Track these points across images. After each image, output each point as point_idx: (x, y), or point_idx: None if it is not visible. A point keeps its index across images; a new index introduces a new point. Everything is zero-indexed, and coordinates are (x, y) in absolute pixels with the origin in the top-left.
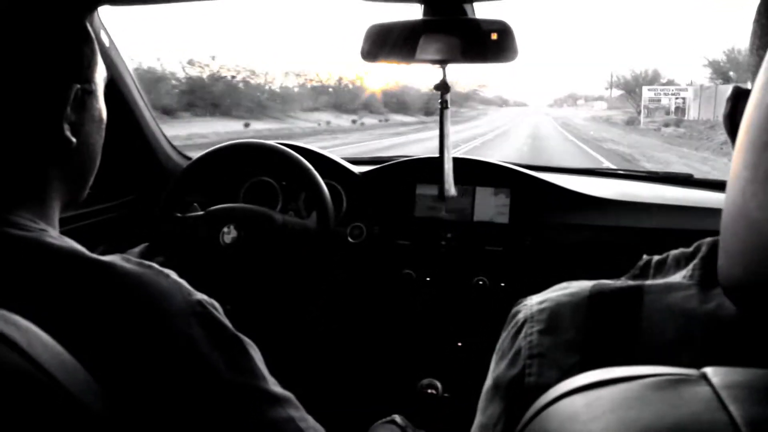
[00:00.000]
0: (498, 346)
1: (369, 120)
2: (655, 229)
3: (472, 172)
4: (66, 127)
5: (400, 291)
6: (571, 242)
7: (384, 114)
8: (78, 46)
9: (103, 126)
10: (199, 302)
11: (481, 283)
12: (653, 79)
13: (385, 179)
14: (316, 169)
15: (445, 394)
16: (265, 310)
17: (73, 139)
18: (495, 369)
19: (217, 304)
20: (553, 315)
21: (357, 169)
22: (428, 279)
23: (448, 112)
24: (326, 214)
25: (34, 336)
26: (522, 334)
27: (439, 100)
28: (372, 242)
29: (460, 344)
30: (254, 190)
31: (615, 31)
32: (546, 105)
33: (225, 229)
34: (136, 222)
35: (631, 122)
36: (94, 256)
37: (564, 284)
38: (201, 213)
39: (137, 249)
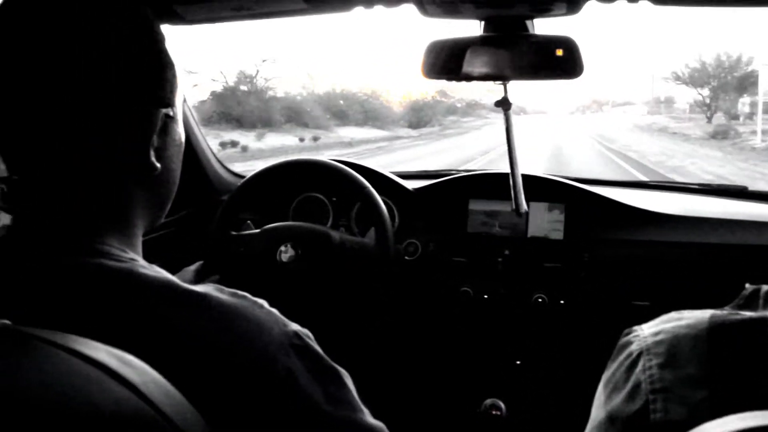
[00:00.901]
0: (607, 377)
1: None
2: (714, 245)
3: (526, 187)
4: (152, 152)
5: (459, 309)
6: (629, 258)
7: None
8: (163, 71)
9: (182, 150)
10: (296, 333)
11: (540, 300)
12: (735, 67)
13: (437, 195)
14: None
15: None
16: (325, 331)
17: (158, 165)
18: (607, 402)
19: (310, 334)
20: (672, 348)
21: (408, 184)
22: (486, 296)
23: (513, 127)
24: (385, 231)
25: (149, 376)
26: (639, 367)
27: (503, 116)
28: (427, 259)
29: (519, 362)
30: (304, 206)
31: (635, 31)
32: (568, 112)
33: (282, 248)
34: (190, 239)
35: (721, 135)
36: (189, 287)
37: (675, 314)
38: (257, 231)
39: (192, 267)
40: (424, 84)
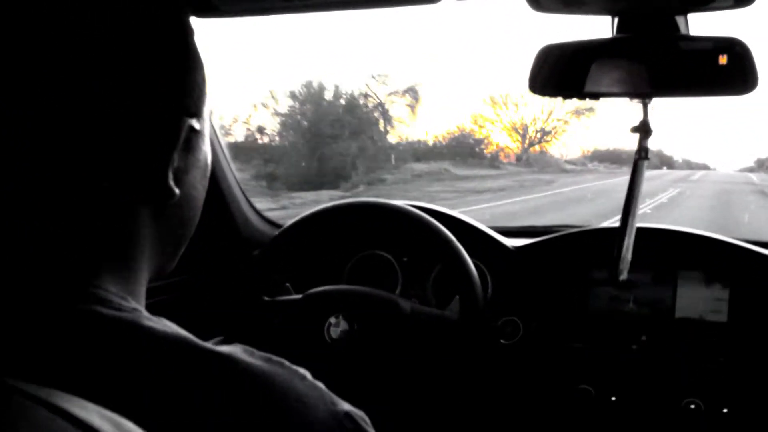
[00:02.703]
0: None
1: None
2: None
3: (673, 249)
4: (170, 174)
5: (575, 414)
6: None
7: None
8: (190, 72)
9: (207, 175)
10: (347, 414)
11: (693, 407)
12: None
13: (546, 257)
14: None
15: None
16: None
17: (177, 190)
18: None
19: (366, 418)
20: None
21: (508, 242)
22: (614, 399)
23: (644, 165)
24: (475, 303)
25: None
26: None
27: (637, 148)
28: (532, 344)
29: None
30: (363, 267)
31: None
32: (735, 169)
33: (332, 320)
34: (209, 306)
35: None
36: (209, 346)
37: None
38: (298, 297)
39: (210, 343)
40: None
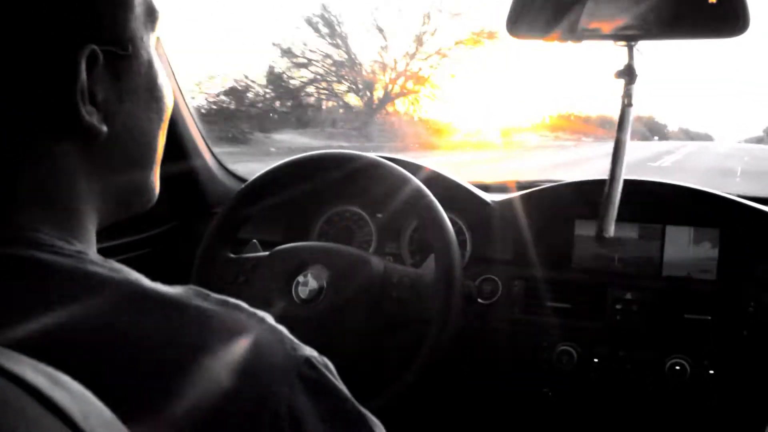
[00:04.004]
0: None
1: None
2: None
3: (660, 202)
4: (85, 108)
5: (557, 377)
6: None
7: None
8: None
9: (164, 102)
10: (308, 360)
11: (678, 368)
12: None
13: (528, 212)
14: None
15: None
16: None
17: (102, 127)
18: None
19: (330, 365)
20: None
21: (488, 197)
22: (597, 360)
23: (632, 112)
24: (450, 261)
25: (89, 405)
26: None
27: (621, 94)
28: (512, 304)
29: None
30: (335, 223)
31: None
32: (740, 139)
33: (300, 278)
34: (172, 264)
35: None
36: (159, 288)
37: None
38: (264, 254)
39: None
40: None
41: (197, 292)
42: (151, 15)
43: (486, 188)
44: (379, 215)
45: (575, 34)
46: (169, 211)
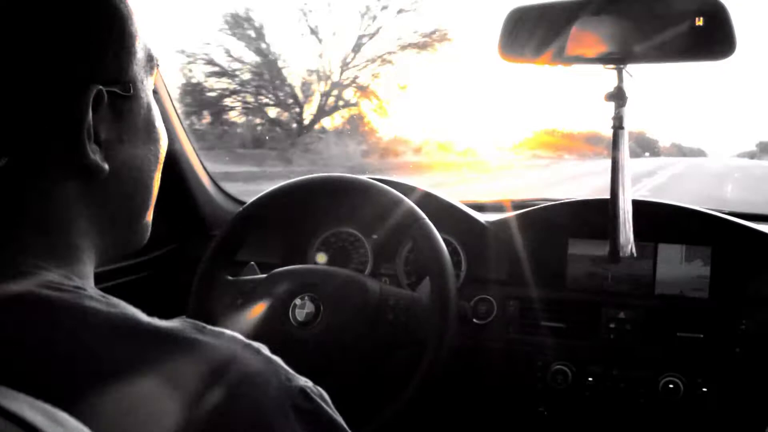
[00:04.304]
0: None
1: None
2: None
3: (652, 221)
4: (88, 146)
5: (551, 396)
6: None
7: None
8: (92, 31)
9: (160, 144)
10: (302, 390)
11: (672, 386)
12: None
13: (522, 232)
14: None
15: None
16: (355, 412)
17: (105, 165)
18: None
19: (325, 395)
20: None
21: (482, 217)
22: (591, 379)
23: (625, 134)
24: (445, 282)
25: None
26: None
27: (612, 116)
28: (507, 324)
29: None
30: (331, 245)
31: None
32: (733, 154)
33: (297, 301)
34: (171, 287)
35: None
36: (157, 322)
37: None
38: (262, 276)
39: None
40: None
41: (193, 325)
42: (150, 60)
43: (481, 207)
44: (375, 236)
45: (565, 57)
46: (168, 234)
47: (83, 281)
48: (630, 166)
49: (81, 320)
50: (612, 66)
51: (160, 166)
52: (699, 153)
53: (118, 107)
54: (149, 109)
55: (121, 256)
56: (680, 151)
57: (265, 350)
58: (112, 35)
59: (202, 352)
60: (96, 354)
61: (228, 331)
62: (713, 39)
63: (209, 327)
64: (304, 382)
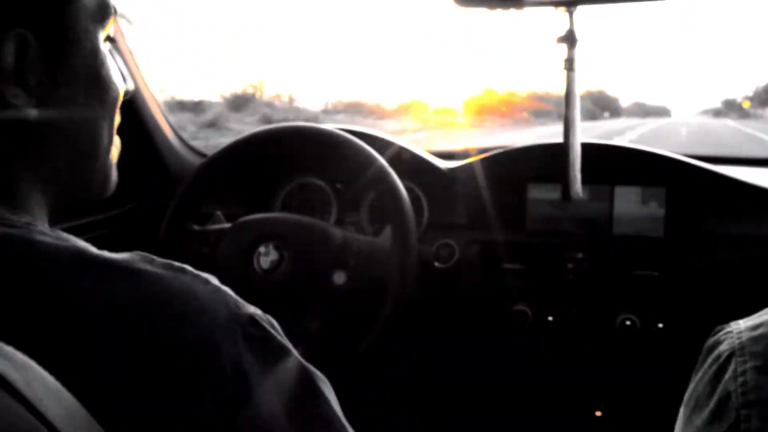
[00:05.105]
0: (689, 394)
1: None
2: None
3: (609, 164)
4: (13, 91)
5: (511, 335)
6: (762, 264)
7: None
8: None
9: (109, 95)
10: (251, 318)
11: (628, 323)
12: None
13: (482, 178)
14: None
15: None
16: (319, 359)
17: (31, 111)
18: (688, 425)
19: (275, 322)
20: None
21: (443, 164)
22: (550, 318)
23: (575, 76)
24: (406, 228)
25: (33, 375)
26: (728, 374)
27: (564, 58)
28: (468, 267)
29: (599, 414)
30: (296, 195)
31: None
32: (697, 111)
33: (261, 249)
34: (135, 239)
35: None
36: (107, 255)
37: None
38: (227, 225)
39: None
40: None
41: (143, 256)
42: (102, 10)
43: (450, 156)
44: (339, 186)
45: (517, 1)
46: (129, 191)
47: (34, 219)
48: (578, 107)
49: (31, 253)
50: (564, 8)
51: (113, 117)
52: (664, 112)
53: (53, 53)
54: (95, 56)
55: (91, 200)
56: (643, 110)
57: (213, 280)
58: None
59: (151, 282)
60: (45, 286)
61: (177, 263)
62: None
63: (159, 259)
64: (253, 309)
